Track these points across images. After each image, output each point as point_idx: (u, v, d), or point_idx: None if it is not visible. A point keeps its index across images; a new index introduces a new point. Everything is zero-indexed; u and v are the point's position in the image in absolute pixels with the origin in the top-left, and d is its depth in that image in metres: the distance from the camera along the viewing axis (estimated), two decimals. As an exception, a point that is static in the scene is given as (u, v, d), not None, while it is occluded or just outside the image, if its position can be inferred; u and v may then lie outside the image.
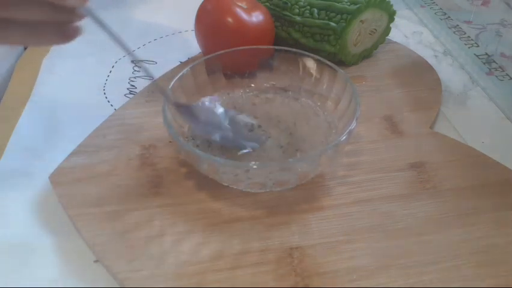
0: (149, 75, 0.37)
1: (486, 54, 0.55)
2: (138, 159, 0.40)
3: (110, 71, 0.52)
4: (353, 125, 0.35)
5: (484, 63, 0.53)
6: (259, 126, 0.40)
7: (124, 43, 0.32)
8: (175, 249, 0.34)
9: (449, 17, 0.62)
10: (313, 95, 0.43)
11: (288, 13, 0.49)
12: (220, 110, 0.39)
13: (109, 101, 0.48)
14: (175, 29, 0.58)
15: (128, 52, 0.33)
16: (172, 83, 0.39)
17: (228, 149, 0.38)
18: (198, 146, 0.39)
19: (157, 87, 0.36)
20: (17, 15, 0.28)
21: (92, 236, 0.34)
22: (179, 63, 0.52)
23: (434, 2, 0.65)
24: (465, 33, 0.58)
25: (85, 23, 0.30)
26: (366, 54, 0.52)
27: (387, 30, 0.52)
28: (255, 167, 0.33)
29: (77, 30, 0.29)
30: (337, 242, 0.34)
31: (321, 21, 0.48)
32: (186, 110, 0.38)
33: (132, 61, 0.52)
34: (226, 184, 0.36)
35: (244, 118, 0.40)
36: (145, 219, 0.36)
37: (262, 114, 0.42)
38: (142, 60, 0.53)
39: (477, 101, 0.48)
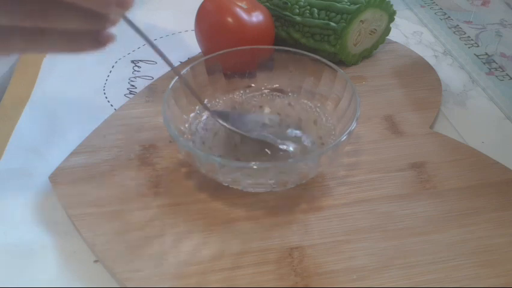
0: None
1: (486, 54, 0.55)
2: (138, 159, 0.40)
3: (110, 71, 0.52)
4: (353, 125, 0.35)
5: (484, 63, 0.53)
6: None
7: (157, 48, 0.33)
8: (175, 249, 0.34)
9: (449, 17, 0.62)
10: (313, 95, 0.43)
11: (288, 13, 0.49)
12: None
13: (109, 101, 0.48)
14: (175, 29, 0.58)
15: (163, 56, 0.33)
16: (172, 83, 0.39)
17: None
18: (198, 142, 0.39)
19: (193, 94, 0.36)
20: (56, 25, 0.28)
21: (92, 236, 0.34)
22: (179, 63, 0.52)
23: (434, 2, 0.65)
24: (465, 33, 0.58)
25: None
26: (366, 54, 0.52)
27: (387, 30, 0.52)
28: (255, 167, 0.33)
29: (111, 36, 0.29)
30: (337, 242, 0.34)
31: (321, 21, 0.48)
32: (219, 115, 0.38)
33: (133, 61, 0.52)
34: (226, 184, 0.36)
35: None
36: (145, 219, 0.36)
37: (261, 114, 0.42)
38: (141, 60, 0.53)
39: (477, 101, 0.48)
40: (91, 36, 0.29)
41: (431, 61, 0.52)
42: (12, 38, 0.28)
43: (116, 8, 0.27)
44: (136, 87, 0.49)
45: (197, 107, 0.42)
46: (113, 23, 0.29)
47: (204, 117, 0.42)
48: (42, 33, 0.28)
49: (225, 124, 0.38)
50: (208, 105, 0.43)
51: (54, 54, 0.31)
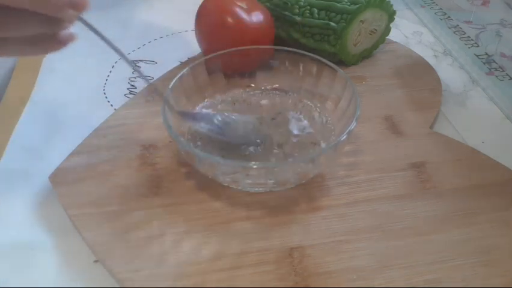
0: (145, 78, 0.38)
1: (486, 54, 0.55)
2: (138, 159, 0.40)
3: (110, 71, 0.52)
4: (353, 125, 0.35)
5: (484, 63, 0.53)
6: (261, 124, 0.40)
7: (116, 47, 0.33)
8: (175, 249, 0.34)
9: (449, 17, 0.62)
10: (313, 95, 0.43)
11: (288, 13, 0.49)
12: (219, 114, 0.40)
13: (109, 101, 0.48)
14: (175, 29, 0.58)
15: (122, 55, 0.34)
16: (172, 83, 0.39)
17: (230, 147, 0.38)
18: (198, 145, 0.39)
19: (156, 91, 0.37)
20: (13, 34, 0.29)
21: (92, 236, 0.34)
22: (179, 63, 0.52)
23: (434, 2, 0.65)
24: (465, 33, 0.58)
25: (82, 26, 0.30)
26: (366, 54, 0.52)
27: (387, 30, 0.52)
28: (255, 167, 0.33)
29: (71, 36, 0.30)
30: (337, 242, 0.34)
31: (321, 21, 0.48)
32: (188, 116, 0.39)
33: (133, 61, 0.52)
34: (226, 184, 0.36)
35: (245, 118, 0.41)
36: (145, 219, 0.36)
37: (261, 114, 0.42)
38: (142, 60, 0.53)
39: (477, 101, 0.48)
40: (52, 37, 0.30)
41: (431, 61, 0.52)
42: None
43: (70, 11, 0.28)
44: (136, 87, 0.49)
45: (197, 107, 0.42)
46: (70, 23, 0.30)
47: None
48: (4, 40, 0.29)
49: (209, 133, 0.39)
50: (208, 105, 0.43)
51: (14, 57, 0.32)
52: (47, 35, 0.30)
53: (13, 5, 0.26)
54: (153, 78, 0.50)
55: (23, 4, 0.26)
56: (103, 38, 0.32)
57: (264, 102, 0.43)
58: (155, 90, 0.37)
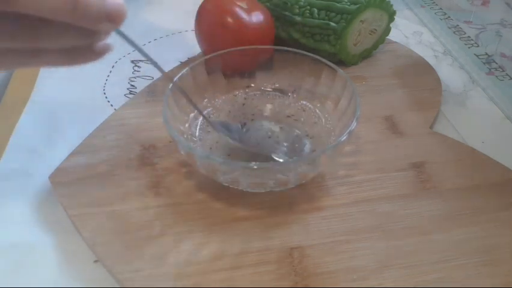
0: (187, 97, 0.37)
1: (486, 54, 0.55)
2: (138, 159, 0.40)
3: (110, 71, 0.52)
4: (353, 125, 0.35)
5: (484, 63, 0.53)
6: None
7: (154, 60, 0.33)
8: (175, 249, 0.34)
9: (449, 17, 0.62)
10: (313, 95, 0.43)
11: (288, 13, 0.49)
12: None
13: (109, 101, 0.48)
14: (175, 29, 0.58)
15: (160, 69, 0.34)
16: (172, 83, 0.39)
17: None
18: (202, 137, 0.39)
19: (191, 103, 0.38)
20: (48, 45, 0.28)
21: (92, 236, 0.34)
22: (179, 63, 0.52)
23: (434, 2, 0.65)
24: (465, 33, 0.58)
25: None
26: (366, 54, 0.52)
27: (387, 30, 0.52)
28: (255, 167, 0.33)
29: (107, 47, 0.30)
30: (337, 242, 0.34)
31: (321, 21, 0.48)
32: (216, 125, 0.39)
33: (134, 62, 0.52)
34: (226, 184, 0.36)
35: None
36: (145, 219, 0.36)
37: (261, 114, 0.42)
38: (141, 60, 0.53)
39: (477, 101, 0.48)
40: (87, 49, 0.30)
41: (431, 61, 0.52)
42: (7, 56, 0.28)
43: (107, 24, 0.27)
44: (136, 87, 0.49)
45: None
46: (107, 35, 0.29)
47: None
48: (38, 50, 0.29)
49: (225, 136, 0.39)
50: (208, 105, 0.43)
51: (50, 67, 0.31)
52: (83, 46, 0.30)
53: (51, 17, 0.26)
54: (153, 78, 0.50)
55: (61, 17, 0.26)
56: (140, 50, 0.32)
57: (264, 102, 0.43)
58: (187, 99, 0.38)
